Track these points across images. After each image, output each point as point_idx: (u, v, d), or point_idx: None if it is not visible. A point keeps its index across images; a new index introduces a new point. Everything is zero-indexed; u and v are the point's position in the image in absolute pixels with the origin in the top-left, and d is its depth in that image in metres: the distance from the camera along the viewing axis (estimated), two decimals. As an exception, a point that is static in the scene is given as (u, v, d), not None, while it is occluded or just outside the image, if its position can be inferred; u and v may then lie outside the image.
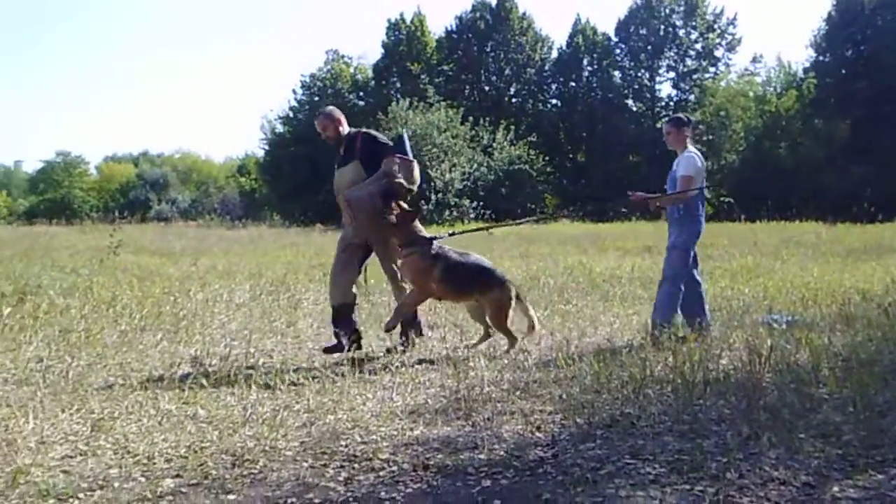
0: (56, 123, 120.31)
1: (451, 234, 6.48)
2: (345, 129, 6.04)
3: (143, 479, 3.24)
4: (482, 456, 3.46)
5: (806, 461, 3.30)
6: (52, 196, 59.56)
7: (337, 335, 5.72)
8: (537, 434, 3.80)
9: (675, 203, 6.06)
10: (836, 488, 3.02)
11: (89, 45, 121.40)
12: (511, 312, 5.75)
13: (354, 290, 5.97)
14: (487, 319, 5.86)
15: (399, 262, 5.79)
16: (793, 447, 3.44)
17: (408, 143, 5.92)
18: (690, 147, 6.18)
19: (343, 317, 5.84)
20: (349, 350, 5.52)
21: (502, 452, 3.51)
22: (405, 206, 5.72)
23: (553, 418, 4.04)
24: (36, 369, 5.06)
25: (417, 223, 5.80)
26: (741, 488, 3.02)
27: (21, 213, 54.55)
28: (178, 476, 3.27)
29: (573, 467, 3.30)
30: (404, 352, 5.77)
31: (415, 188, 5.80)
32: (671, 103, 43.06)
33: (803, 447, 3.44)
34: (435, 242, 5.75)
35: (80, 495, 3.08)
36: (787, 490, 3.01)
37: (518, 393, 4.42)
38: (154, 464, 3.41)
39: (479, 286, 5.75)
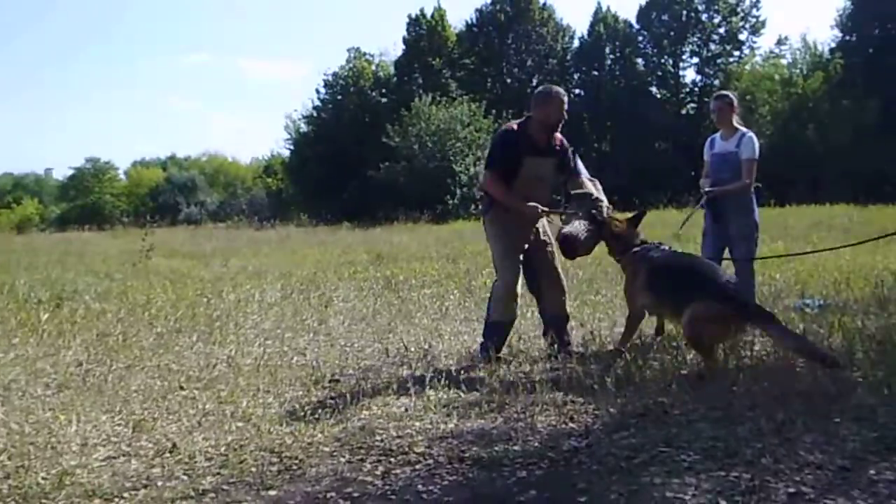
0: (84, 130, 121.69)
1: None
2: None
3: (185, 478, 3.31)
4: (517, 447, 3.50)
5: (841, 445, 3.29)
6: (82, 202, 60.35)
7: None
8: (571, 425, 3.83)
9: (744, 192, 5.90)
10: (872, 471, 3.02)
11: (111, 50, 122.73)
12: (723, 336, 4.54)
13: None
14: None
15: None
16: (828, 431, 3.44)
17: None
18: (742, 127, 6.06)
19: None
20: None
21: (537, 444, 3.55)
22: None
23: (586, 409, 4.06)
24: (76, 373, 5.17)
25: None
26: (776, 473, 3.02)
27: (53, 220, 55.34)
28: (218, 474, 3.34)
29: (607, 457, 3.32)
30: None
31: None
32: (696, 89, 42.63)
33: (838, 431, 3.44)
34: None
35: (125, 494, 3.15)
36: (823, 474, 3.01)
37: (550, 385, 4.44)
38: (196, 462, 3.48)
39: (685, 297, 4.59)
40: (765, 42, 67.93)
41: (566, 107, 5.33)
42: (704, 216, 6.19)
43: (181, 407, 4.35)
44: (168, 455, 3.59)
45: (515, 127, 5.43)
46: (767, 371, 4.41)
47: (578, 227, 5.18)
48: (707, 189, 5.95)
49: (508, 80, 44.51)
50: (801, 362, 4.51)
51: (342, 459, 3.46)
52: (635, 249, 5.11)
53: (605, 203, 5.37)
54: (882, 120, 32.08)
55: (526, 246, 5.47)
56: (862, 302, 6.37)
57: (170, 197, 55.51)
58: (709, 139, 6.24)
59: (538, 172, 5.34)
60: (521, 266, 5.44)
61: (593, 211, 5.26)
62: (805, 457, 3.16)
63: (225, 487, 3.20)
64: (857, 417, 3.59)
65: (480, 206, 5.83)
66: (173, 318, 7.11)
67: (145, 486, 3.23)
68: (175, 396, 4.58)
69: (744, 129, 6.02)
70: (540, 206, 5.32)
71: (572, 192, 5.45)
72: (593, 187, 5.44)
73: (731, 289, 4.67)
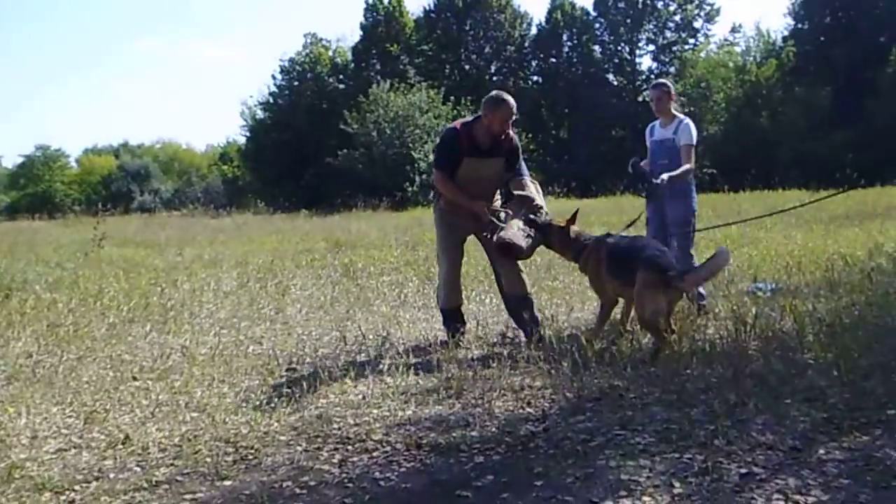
0: (34, 117, 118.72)
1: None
2: None
3: (138, 469, 3.27)
4: (474, 433, 3.51)
5: (792, 426, 3.36)
6: (33, 191, 58.87)
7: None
8: (528, 409, 3.85)
9: (684, 177, 5.94)
10: (822, 451, 3.08)
11: (62, 35, 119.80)
12: (660, 303, 4.63)
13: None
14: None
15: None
16: (779, 412, 3.50)
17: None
18: (680, 114, 6.18)
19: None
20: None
21: (494, 429, 3.56)
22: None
23: (543, 393, 4.09)
24: (26, 365, 5.05)
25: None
26: (729, 454, 3.07)
27: (2, 208, 54.01)
28: (172, 465, 3.30)
29: (564, 440, 3.35)
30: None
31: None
32: (652, 76, 43.01)
33: (789, 412, 3.51)
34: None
35: (76, 487, 3.10)
36: (774, 455, 3.07)
37: (508, 370, 4.46)
38: (149, 453, 3.43)
39: (633, 271, 4.76)
40: (719, 30, 69.06)
41: (514, 117, 5.33)
42: (647, 204, 6.27)
43: (134, 398, 4.28)
44: (121, 447, 3.53)
45: (458, 126, 5.45)
46: (720, 354, 4.47)
47: (516, 233, 5.15)
48: (657, 181, 5.98)
49: (467, 67, 44.47)
50: (754, 345, 4.59)
51: (299, 448, 3.44)
52: (586, 244, 5.20)
53: (545, 208, 5.44)
54: (833, 107, 32.76)
55: (478, 235, 5.54)
56: (813, 286, 6.50)
57: (123, 185, 54.54)
58: (649, 126, 6.35)
59: (480, 172, 5.37)
60: (460, 256, 5.62)
61: (532, 216, 5.26)
62: (756, 438, 3.22)
63: (179, 478, 3.16)
64: (808, 399, 3.66)
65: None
66: (126, 307, 6.98)
67: (97, 479, 3.18)
68: (128, 387, 4.50)
69: (681, 117, 6.14)
70: (490, 207, 5.37)
71: (514, 192, 5.45)
72: (534, 189, 5.51)
73: (658, 258, 4.79)
